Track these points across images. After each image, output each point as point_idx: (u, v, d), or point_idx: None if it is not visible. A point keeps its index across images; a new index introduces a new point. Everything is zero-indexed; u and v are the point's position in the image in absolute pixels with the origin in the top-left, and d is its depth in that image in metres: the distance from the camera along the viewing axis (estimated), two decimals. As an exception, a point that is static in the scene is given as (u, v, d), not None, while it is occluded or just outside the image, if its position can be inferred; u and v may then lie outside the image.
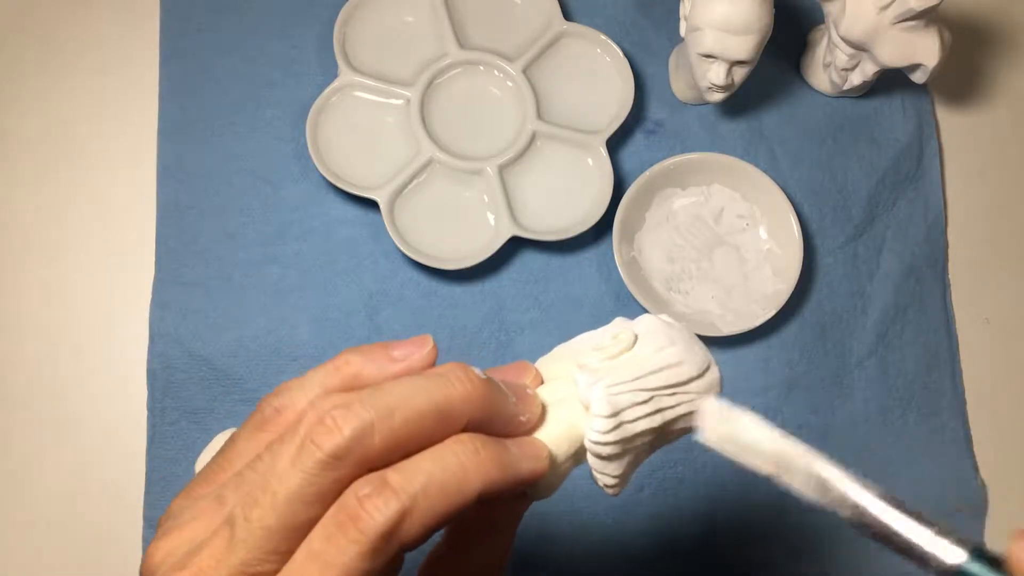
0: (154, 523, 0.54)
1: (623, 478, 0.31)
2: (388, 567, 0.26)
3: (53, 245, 0.59)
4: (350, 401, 0.26)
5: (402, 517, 0.25)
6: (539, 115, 0.59)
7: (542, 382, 0.33)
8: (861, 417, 0.59)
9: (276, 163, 0.59)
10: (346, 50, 0.59)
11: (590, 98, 0.60)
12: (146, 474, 0.55)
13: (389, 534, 0.25)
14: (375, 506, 0.25)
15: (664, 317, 0.33)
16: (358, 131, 0.58)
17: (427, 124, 0.58)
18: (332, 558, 0.25)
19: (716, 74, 0.55)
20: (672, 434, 0.32)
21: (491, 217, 0.58)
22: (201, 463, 0.50)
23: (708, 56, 0.55)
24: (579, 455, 0.31)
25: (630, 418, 0.30)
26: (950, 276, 0.62)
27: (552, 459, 0.30)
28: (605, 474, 0.31)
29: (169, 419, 0.55)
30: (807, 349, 0.59)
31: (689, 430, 0.31)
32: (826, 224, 0.61)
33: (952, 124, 0.65)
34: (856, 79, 0.60)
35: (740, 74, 0.56)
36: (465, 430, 0.28)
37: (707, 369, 0.31)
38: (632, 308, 0.58)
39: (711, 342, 0.56)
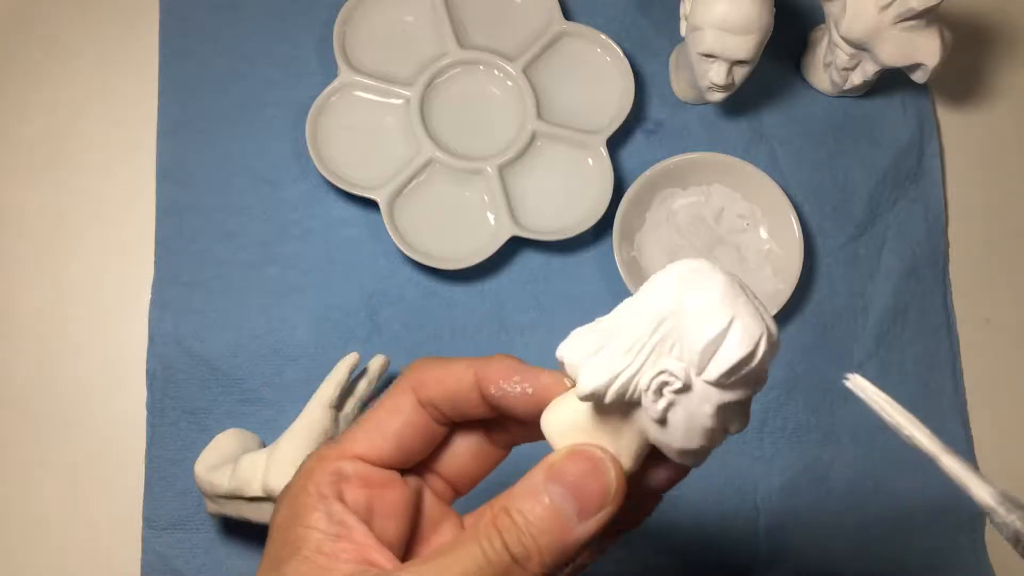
0: (154, 523, 0.54)
1: (700, 448, 0.30)
2: None
3: (53, 245, 0.59)
4: None
5: None
6: (539, 115, 0.59)
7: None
8: (861, 417, 0.58)
9: (276, 163, 0.59)
10: (346, 50, 0.59)
11: (590, 98, 0.60)
12: (146, 474, 0.55)
13: None
14: None
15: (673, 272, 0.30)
16: (358, 131, 0.58)
17: (427, 124, 0.58)
18: None
19: (716, 74, 0.55)
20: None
21: (491, 217, 0.58)
22: (201, 463, 0.50)
23: (708, 56, 0.55)
24: (643, 448, 0.30)
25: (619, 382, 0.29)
26: (950, 276, 0.62)
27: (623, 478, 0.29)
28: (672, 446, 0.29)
29: (169, 419, 0.55)
30: (807, 349, 0.59)
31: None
32: (826, 224, 0.61)
33: (952, 124, 0.65)
34: (856, 79, 0.59)
35: (740, 74, 0.56)
36: None
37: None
38: (632, 308, 0.58)
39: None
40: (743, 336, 0.27)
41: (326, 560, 0.29)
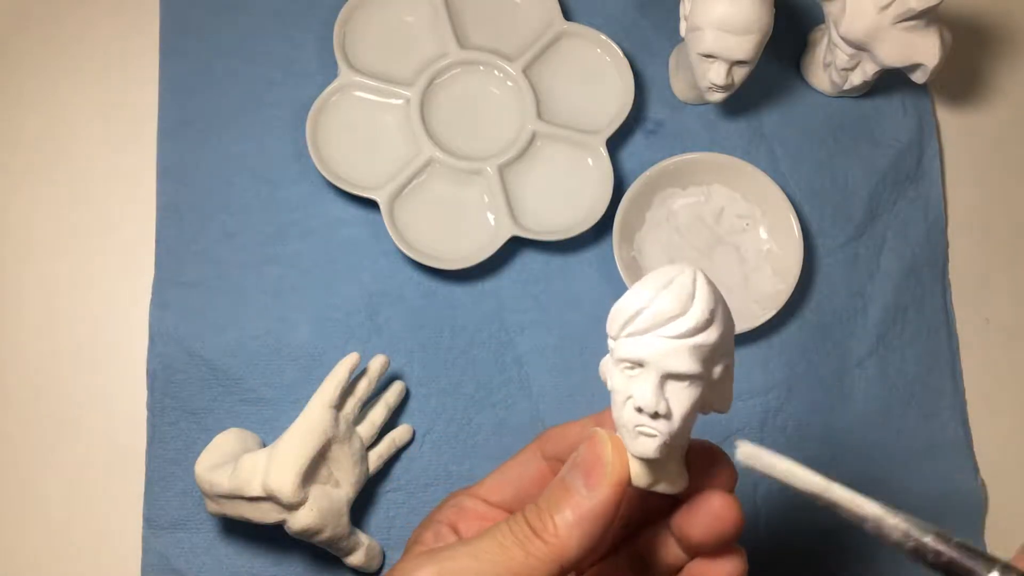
0: (154, 523, 0.54)
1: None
2: None
3: (53, 245, 0.59)
4: None
5: None
6: (539, 115, 0.59)
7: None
8: (861, 417, 0.59)
9: (276, 163, 0.59)
10: (346, 50, 0.59)
11: (590, 98, 0.60)
12: (146, 474, 0.55)
13: None
14: None
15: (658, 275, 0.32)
16: (358, 131, 0.58)
17: (427, 124, 0.58)
18: None
19: (716, 74, 0.55)
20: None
21: (491, 217, 0.58)
22: (201, 463, 0.50)
23: (708, 56, 0.55)
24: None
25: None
26: (950, 276, 0.62)
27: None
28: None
29: (169, 419, 0.55)
30: (807, 349, 0.59)
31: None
32: (826, 224, 0.61)
33: (952, 124, 0.65)
34: (856, 79, 0.60)
35: (740, 74, 0.56)
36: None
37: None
38: (632, 308, 0.58)
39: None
40: (623, 297, 0.31)
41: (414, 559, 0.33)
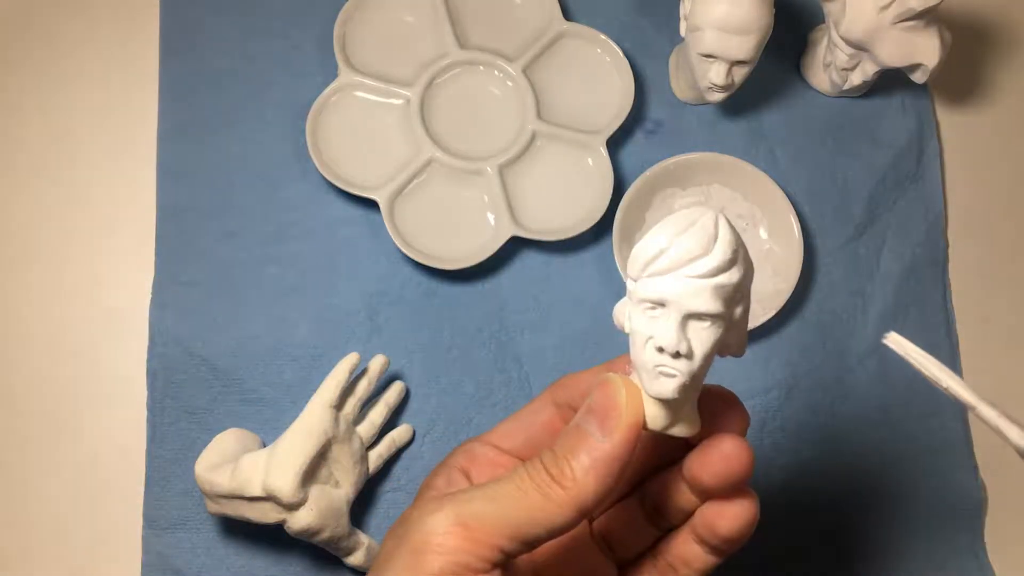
0: (154, 523, 0.54)
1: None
2: None
3: (53, 245, 0.59)
4: None
5: None
6: (539, 115, 0.59)
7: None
8: (861, 417, 0.59)
9: (276, 163, 0.59)
10: (346, 50, 0.59)
11: (590, 98, 0.60)
12: (146, 474, 0.55)
13: None
14: None
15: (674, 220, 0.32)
16: (358, 131, 0.59)
17: (427, 124, 0.58)
18: None
19: (716, 74, 0.55)
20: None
21: (491, 217, 0.58)
22: (201, 463, 0.50)
23: (708, 56, 0.55)
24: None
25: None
26: (950, 276, 0.62)
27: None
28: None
29: (169, 419, 0.55)
30: (807, 349, 0.59)
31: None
32: (826, 224, 0.61)
33: (952, 124, 0.65)
34: (856, 79, 0.60)
35: (740, 74, 0.56)
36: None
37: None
38: (632, 308, 0.58)
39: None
40: (644, 238, 0.31)
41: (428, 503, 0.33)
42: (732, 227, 0.31)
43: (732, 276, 0.31)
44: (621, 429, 0.32)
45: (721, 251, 0.30)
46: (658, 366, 0.31)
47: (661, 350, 0.31)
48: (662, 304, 0.31)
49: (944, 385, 0.34)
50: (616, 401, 0.32)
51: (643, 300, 0.31)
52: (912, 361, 0.35)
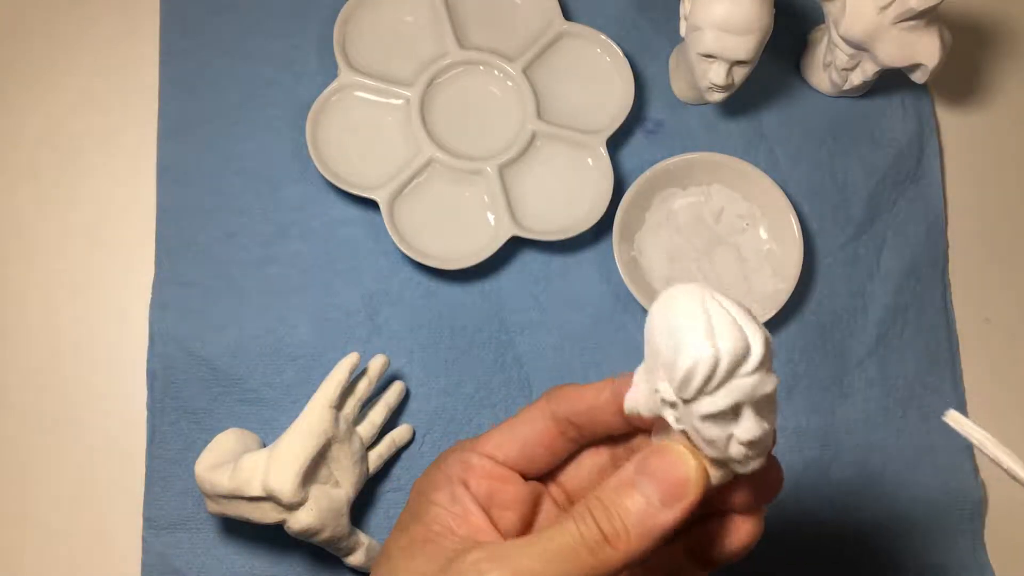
0: (154, 523, 0.54)
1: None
2: None
3: (53, 245, 0.59)
4: None
5: None
6: (539, 115, 0.59)
7: None
8: (861, 417, 0.59)
9: (276, 163, 0.59)
10: (346, 50, 0.59)
11: (590, 98, 0.60)
12: (146, 474, 0.55)
13: None
14: None
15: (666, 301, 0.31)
16: (358, 131, 0.59)
17: (427, 124, 0.58)
18: None
19: (716, 74, 0.55)
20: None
21: (491, 217, 0.58)
22: (201, 463, 0.50)
23: (708, 56, 0.55)
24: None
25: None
26: (950, 276, 0.62)
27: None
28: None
29: (169, 419, 0.55)
30: (807, 349, 0.59)
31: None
32: (826, 224, 0.61)
33: (952, 124, 0.65)
34: (856, 79, 0.60)
35: (740, 74, 0.56)
36: None
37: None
38: (632, 308, 0.58)
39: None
40: (684, 357, 0.29)
41: (441, 529, 0.33)
42: (728, 299, 0.31)
43: (769, 346, 0.31)
44: (687, 505, 0.31)
45: (756, 338, 0.30)
46: (747, 455, 0.31)
47: (750, 443, 0.31)
48: (737, 410, 0.31)
49: (1005, 467, 0.34)
50: (685, 477, 0.31)
51: (710, 415, 0.30)
52: (973, 440, 0.35)
